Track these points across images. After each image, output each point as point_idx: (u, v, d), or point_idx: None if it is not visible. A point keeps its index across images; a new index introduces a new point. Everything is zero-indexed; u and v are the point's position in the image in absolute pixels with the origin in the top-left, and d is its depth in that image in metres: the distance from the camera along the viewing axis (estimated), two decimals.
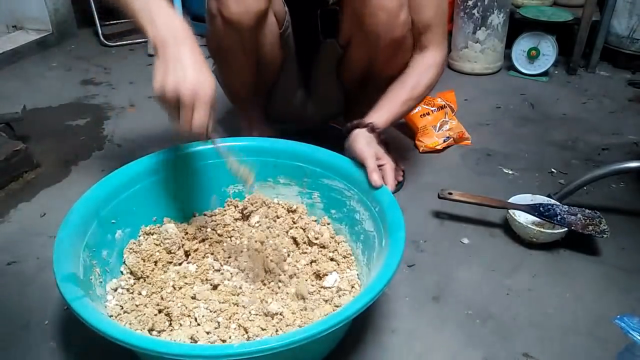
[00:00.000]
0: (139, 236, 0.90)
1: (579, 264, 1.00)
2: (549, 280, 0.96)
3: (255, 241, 0.91)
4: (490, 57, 1.84)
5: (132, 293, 0.82)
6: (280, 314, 0.76)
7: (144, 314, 0.77)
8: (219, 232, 0.93)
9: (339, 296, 0.81)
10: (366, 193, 0.88)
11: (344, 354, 0.80)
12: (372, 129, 0.95)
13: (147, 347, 0.59)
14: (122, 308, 0.78)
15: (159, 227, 0.92)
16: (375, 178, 0.85)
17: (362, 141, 0.91)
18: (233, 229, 0.94)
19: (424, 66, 1.03)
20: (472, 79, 1.83)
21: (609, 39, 1.86)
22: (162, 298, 0.80)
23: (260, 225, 0.95)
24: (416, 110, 1.43)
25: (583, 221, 1.02)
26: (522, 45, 1.80)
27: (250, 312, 0.77)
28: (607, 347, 0.82)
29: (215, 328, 0.74)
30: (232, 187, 1.00)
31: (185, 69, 0.71)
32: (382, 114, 0.99)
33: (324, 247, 0.90)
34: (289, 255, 0.90)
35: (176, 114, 0.73)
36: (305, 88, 1.22)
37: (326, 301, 0.80)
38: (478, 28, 1.78)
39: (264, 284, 0.84)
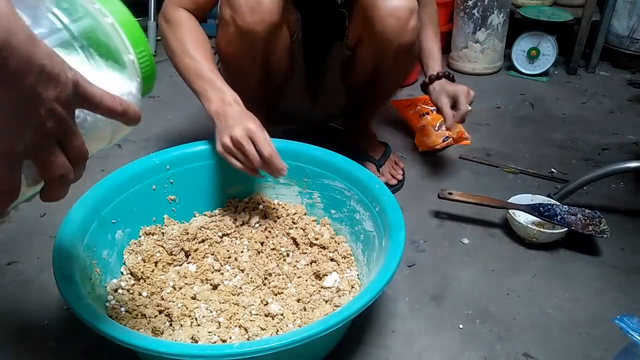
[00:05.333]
0: (139, 236, 0.90)
1: (579, 264, 1.00)
2: (549, 280, 0.96)
3: (255, 241, 0.91)
4: (490, 57, 1.84)
5: (132, 294, 0.82)
6: (281, 314, 0.76)
7: (145, 315, 0.77)
8: (219, 232, 0.93)
9: (339, 296, 0.81)
10: (366, 193, 0.88)
11: (344, 354, 0.80)
12: (443, 76, 1.18)
13: (147, 347, 0.59)
14: (123, 308, 0.78)
15: (159, 227, 0.92)
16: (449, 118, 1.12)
17: (442, 91, 1.15)
18: (233, 229, 0.94)
19: (432, 15, 1.22)
20: (472, 79, 1.83)
21: (609, 39, 1.86)
22: (162, 298, 0.80)
23: (260, 225, 0.95)
24: (415, 109, 1.44)
25: (583, 221, 1.02)
26: (522, 45, 1.80)
27: (250, 312, 0.77)
28: (607, 347, 0.82)
29: (216, 328, 0.75)
30: (232, 187, 1.00)
31: (234, 123, 0.86)
32: (438, 62, 1.20)
33: (324, 247, 0.90)
34: (288, 255, 0.90)
35: (243, 159, 0.86)
36: (311, 90, 1.22)
37: (326, 301, 0.80)
38: (478, 28, 1.78)
39: (264, 284, 0.84)
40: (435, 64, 1.18)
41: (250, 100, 1.17)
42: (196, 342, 0.72)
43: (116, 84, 0.47)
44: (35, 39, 0.35)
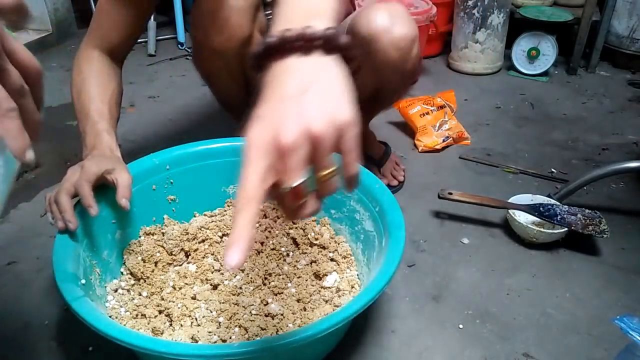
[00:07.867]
0: (139, 236, 0.90)
1: (579, 264, 1.00)
2: (549, 280, 0.96)
3: (255, 241, 0.91)
4: (490, 57, 1.84)
5: (132, 294, 0.82)
6: (281, 314, 0.76)
7: (145, 315, 0.77)
8: (219, 232, 0.93)
9: (339, 296, 0.81)
10: (366, 193, 0.88)
11: (344, 354, 0.80)
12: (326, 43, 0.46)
13: (147, 347, 0.59)
14: (123, 309, 0.78)
15: (159, 227, 0.92)
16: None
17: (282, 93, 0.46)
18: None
19: None
20: (472, 78, 1.83)
21: (609, 39, 1.86)
22: (162, 299, 0.80)
23: (260, 225, 0.95)
24: (416, 109, 1.44)
25: (583, 221, 1.02)
26: (522, 45, 1.80)
27: (250, 312, 0.77)
28: (607, 347, 0.82)
29: (216, 328, 0.75)
30: (232, 187, 1.00)
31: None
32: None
33: (324, 247, 0.90)
34: (288, 255, 0.90)
35: None
36: None
37: (326, 301, 0.80)
38: (478, 28, 1.78)
39: (264, 284, 0.84)
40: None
41: (240, 110, 1.17)
42: (196, 342, 0.72)
43: None
44: None
